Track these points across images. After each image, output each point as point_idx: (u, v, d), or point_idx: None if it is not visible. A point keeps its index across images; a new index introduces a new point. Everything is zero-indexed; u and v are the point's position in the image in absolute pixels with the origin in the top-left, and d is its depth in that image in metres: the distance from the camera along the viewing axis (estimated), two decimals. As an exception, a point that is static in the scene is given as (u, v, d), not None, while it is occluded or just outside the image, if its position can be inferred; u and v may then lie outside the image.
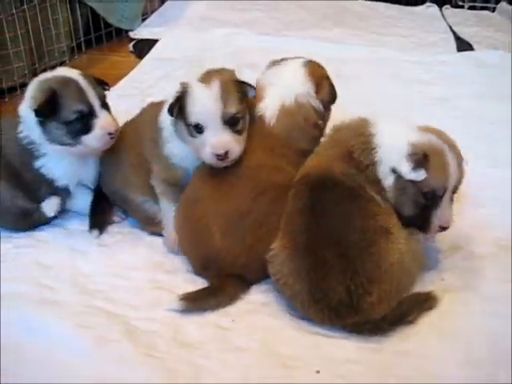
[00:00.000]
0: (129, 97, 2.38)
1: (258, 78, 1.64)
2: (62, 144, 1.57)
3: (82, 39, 3.01)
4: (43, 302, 1.41)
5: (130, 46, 3.07)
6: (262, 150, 1.50)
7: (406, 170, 1.32)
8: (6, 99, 2.47)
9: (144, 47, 3.00)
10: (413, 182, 1.33)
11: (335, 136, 1.47)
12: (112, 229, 1.70)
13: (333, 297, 1.28)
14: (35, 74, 2.57)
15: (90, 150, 1.60)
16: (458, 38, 3.14)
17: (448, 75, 2.64)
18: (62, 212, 1.72)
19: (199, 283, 1.47)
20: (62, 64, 2.81)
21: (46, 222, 1.69)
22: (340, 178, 1.36)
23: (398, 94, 2.44)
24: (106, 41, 3.13)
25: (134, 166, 1.64)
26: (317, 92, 1.58)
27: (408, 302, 1.34)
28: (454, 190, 1.38)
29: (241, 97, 1.47)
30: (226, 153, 1.42)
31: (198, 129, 1.44)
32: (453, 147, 1.36)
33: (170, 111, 1.47)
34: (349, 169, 1.37)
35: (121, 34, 3.19)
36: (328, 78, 1.62)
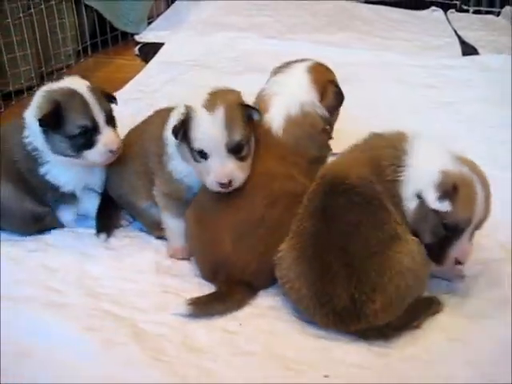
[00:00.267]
0: (135, 100, 2.39)
1: (262, 88, 1.62)
2: (65, 155, 1.57)
3: (89, 43, 3.03)
4: (51, 304, 1.41)
5: (136, 49, 3.07)
6: (273, 159, 1.49)
7: (432, 199, 1.27)
8: (13, 102, 2.48)
9: (150, 51, 3.01)
10: (436, 211, 1.28)
11: (368, 142, 1.43)
12: (119, 232, 1.71)
13: (337, 303, 1.28)
14: (42, 78, 2.62)
15: (91, 163, 1.60)
16: (463, 42, 3.13)
17: (453, 79, 2.63)
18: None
19: (206, 288, 1.46)
20: (68, 67, 2.84)
21: (57, 226, 1.70)
22: (354, 182, 1.32)
23: (402, 98, 2.43)
24: (112, 44, 3.14)
25: (138, 173, 1.63)
26: (321, 99, 1.57)
27: (413, 307, 1.32)
28: (478, 226, 1.32)
29: (246, 121, 1.43)
30: (230, 181, 1.40)
31: (203, 154, 1.41)
32: (484, 182, 1.31)
33: (175, 134, 1.44)
34: (369, 175, 1.33)
35: (126, 38, 3.20)
36: (333, 81, 1.61)
